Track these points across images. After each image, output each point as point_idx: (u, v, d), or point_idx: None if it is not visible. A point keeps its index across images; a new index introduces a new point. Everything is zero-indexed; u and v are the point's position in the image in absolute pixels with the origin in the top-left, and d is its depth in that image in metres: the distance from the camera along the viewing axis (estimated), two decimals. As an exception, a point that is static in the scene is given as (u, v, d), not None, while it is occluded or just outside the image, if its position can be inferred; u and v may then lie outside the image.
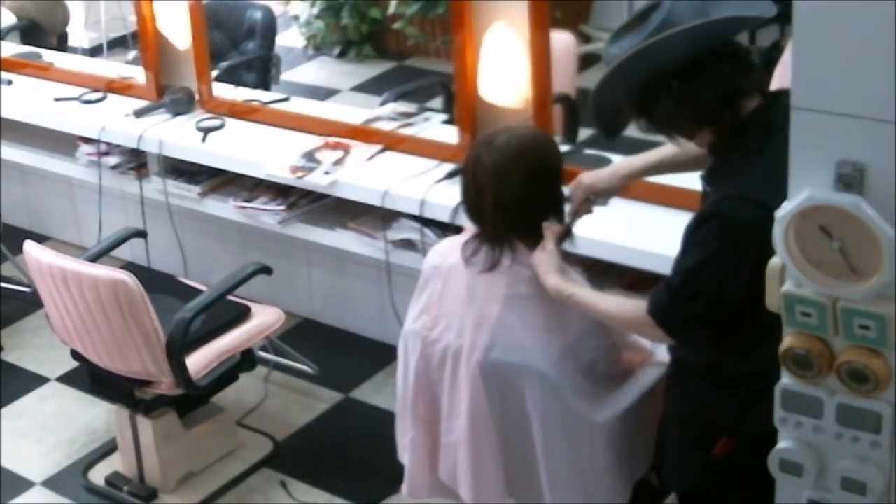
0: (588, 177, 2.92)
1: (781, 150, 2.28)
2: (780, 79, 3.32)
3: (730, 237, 2.38)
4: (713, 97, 2.42)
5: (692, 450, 2.68)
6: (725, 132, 2.48)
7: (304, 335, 4.56)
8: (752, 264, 2.32)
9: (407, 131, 4.11)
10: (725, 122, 2.46)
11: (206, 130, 4.34)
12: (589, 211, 2.93)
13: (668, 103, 2.44)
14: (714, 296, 2.42)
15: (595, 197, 2.92)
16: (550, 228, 2.78)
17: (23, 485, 3.97)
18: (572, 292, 2.71)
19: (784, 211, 2.09)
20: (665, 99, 2.43)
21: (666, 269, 3.09)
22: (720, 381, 2.59)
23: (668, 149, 2.83)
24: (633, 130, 2.80)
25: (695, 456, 2.68)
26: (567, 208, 2.90)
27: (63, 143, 4.72)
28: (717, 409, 2.61)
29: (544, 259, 2.75)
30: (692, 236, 2.48)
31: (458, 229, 3.42)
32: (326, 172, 3.95)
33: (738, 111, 2.45)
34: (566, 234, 2.84)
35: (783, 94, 2.49)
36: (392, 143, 4.08)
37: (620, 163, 2.97)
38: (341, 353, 4.49)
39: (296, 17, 6.72)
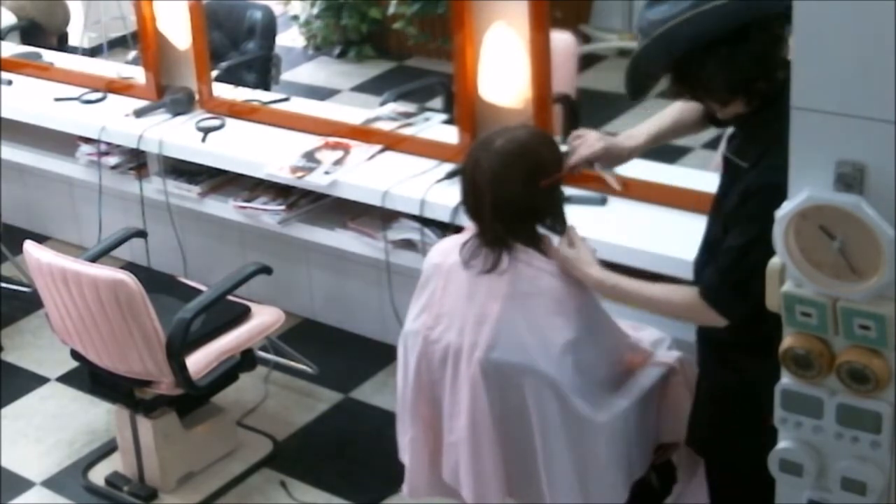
0: (607, 140, 2.91)
1: None
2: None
3: (779, 207, 2.37)
4: (754, 66, 2.47)
5: (747, 422, 2.64)
6: (758, 102, 2.52)
7: (304, 335, 4.56)
8: None
9: (407, 131, 4.11)
10: (758, 92, 2.51)
11: (206, 130, 4.34)
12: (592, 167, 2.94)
13: (713, 69, 2.48)
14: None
15: (602, 161, 2.93)
16: (572, 229, 2.81)
17: (23, 485, 3.97)
18: (616, 282, 2.73)
19: (784, 211, 2.10)
20: (710, 65, 2.47)
21: (666, 268, 3.11)
22: (768, 353, 2.56)
23: (664, 119, 2.88)
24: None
25: (750, 428, 2.63)
26: (572, 156, 2.90)
27: (63, 143, 4.72)
28: (770, 380, 2.58)
29: (579, 253, 2.77)
30: (737, 212, 2.50)
31: (458, 229, 3.42)
32: (326, 172, 3.95)
33: (772, 82, 2.48)
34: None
35: None
36: (392, 143, 4.08)
37: (627, 139, 2.94)
38: (341, 353, 4.49)
39: (296, 17, 6.72)
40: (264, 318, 3.83)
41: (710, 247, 2.66)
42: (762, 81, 2.49)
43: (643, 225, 3.41)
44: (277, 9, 6.03)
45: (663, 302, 2.69)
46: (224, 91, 4.56)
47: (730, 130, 2.69)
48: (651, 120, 2.94)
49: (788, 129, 2.30)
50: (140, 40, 4.65)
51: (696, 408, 2.83)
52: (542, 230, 2.84)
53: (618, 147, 2.93)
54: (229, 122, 4.41)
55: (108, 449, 4.05)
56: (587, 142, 2.91)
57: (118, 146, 4.55)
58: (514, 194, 2.75)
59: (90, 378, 3.87)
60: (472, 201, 2.81)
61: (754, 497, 2.67)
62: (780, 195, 2.28)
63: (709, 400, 2.79)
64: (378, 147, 4.06)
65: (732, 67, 2.47)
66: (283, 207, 4.12)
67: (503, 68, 3.73)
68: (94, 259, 3.84)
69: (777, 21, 2.49)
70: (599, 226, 3.37)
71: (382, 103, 4.49)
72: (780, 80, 2.45)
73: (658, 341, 3.04)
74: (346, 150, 4.07)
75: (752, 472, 2.70)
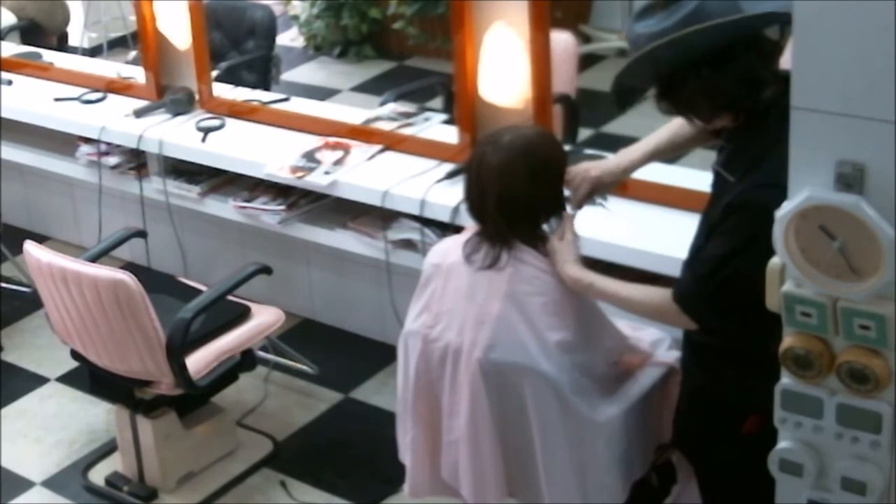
0: (596, 170, 2.94)
1: None
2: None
3: (760, 225, 2.37)
4: (739, 86, 2.47)
5: (721, 429, 2.68)
6: (743, 119, 2.52)
7: (304, 335, 4.56)
8: None
9: (407, 131, 4.11)
10: (744, 110, 2.51)
11: (206, 130, 4.34)
12: (592, 203, 2.96)
13: (695, 89, 2.48)
14: (746, 283, 2.40)
15: (599, 190, 2.94)
16: (568, 219, 2.82)
17: (23, 485, 3.97)
18: (592, 280, 2.73)
19: (784, 211, 2.10)
20: (693, 85, 2.48)
21: (666, 268, 3.11)
22: (747, 362, 2.58)
23: (662, 134, 2.89)
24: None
25: (724, 435, 2.67)
26: (569, 201, 2.91)
27: (63, 143, 4.72)
28: (745, 389, 2.60)
29: (562, 248, 2.77)
30: (720, 225, 2.51)
31: (458, 229, 3.42)
32: (326, 172, 3.95)
33: (759, 100, 2.48)
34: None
35: None
36: (392, 143, 4.08)
37: (622, 156, 2.98)
38: (341, 353, 4.49)
39: (296, 17, 6.72)
40: (264, 318, 3.83)
41: (694, 252, 2.67)
42: (746, 100, 2.49)
43: (643, 225, 3.41)
44: (277, 9, 6.03)
45: (637, 303, 2.70)
46: (224, 91, 4.56)
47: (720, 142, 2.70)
48: (648, 138, 2.95)
49: (778, 148, 2.31)
50: (140, 40, 4.65)
51: (678, 409, 2.85)
52: (542, 231, 2.84)
53: (610, 170, 2.95)
54: (229, 122, 4.41)
55: (108, 449, 4.05)
56: (578, 179, 2.93)
57: (118, 146, 4.55)
58: (519, 190, 2.75)
59: (90, 378, 3.87)
60: (476, 195, 2.82)
61: (740, 497, 2.68)
62: (763, 214, 2.29)
63: (687, 402, 2.81)
64: (378, 147, 4.06)
65: (715, 89, 2.48)
66: (283, 207, 4.12)
67: (503, 68, 3.73)
68: (94, 259, 3.84)
69: (766, 37, 2.49)
70: (600, 226, 3.37)
71: (382, 103, 4.49)
72: (768, 97, 2.47)
73: (658, 341, 3.04)
74: (346, 150, 4.07)
75: (732, 473, 2.72)
